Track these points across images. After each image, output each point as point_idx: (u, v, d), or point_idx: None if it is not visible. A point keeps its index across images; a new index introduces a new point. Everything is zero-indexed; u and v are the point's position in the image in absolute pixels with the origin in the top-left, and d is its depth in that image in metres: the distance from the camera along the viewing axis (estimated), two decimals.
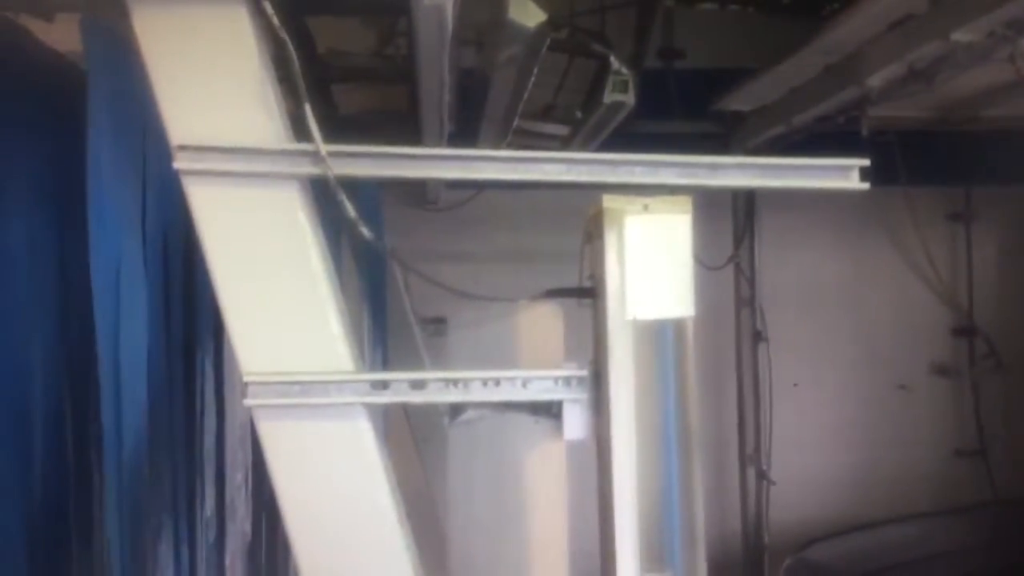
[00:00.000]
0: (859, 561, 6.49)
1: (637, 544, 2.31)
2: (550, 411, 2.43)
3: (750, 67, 6.09)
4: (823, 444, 7.50)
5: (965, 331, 7.80)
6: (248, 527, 3.71)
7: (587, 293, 2.42)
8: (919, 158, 6.74)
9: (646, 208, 2.29)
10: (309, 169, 2.30)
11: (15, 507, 2.93)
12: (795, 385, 7.46)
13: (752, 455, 7.40)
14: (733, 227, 7.33)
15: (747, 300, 7.34)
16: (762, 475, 7.31)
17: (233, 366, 3.38)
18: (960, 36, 4.20)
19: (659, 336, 2.31)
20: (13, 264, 2.95)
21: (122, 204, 2.84)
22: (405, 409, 5.13)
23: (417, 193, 6.70)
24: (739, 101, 6.50)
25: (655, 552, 2.32)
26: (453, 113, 5.15)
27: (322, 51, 5.02)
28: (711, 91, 6.57)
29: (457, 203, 6.76)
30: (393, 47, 5.91)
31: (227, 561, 3.53)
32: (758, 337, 7.30)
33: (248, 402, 2.31)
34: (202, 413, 3.39)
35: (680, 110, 6.73)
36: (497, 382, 2.36)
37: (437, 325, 6.04)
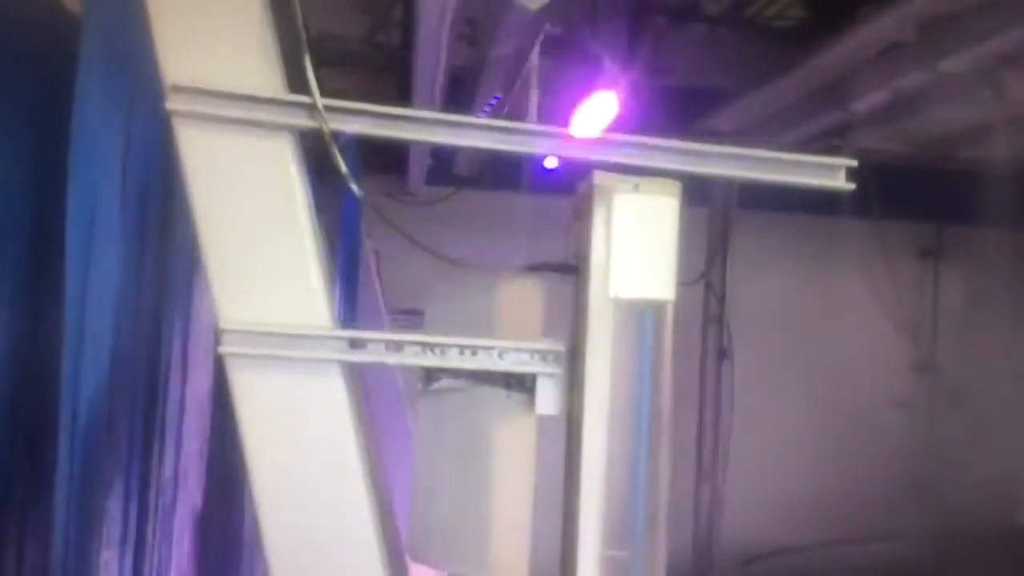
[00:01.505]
0: None
1: (600, 522, 2.31)
2: (524, 385, 2.43)
3: (734, 89, 6.16)
4: (779, 466, 7.57)
5: (926, 367, 7.91)
6: (199, 497, 3.65)
7: (571, 269, 2.43)
8: (893, 193, 6.83)
9: (636, 188, 2.30)
10: (304, 121, 2.29)
11: None
12: (755, 407, 7.53)
13: (708, 472, 7.44)
14: (707, 245, 7.40)
15: (715, 318, 7.41)
16: (716, 492, 7.35)
17: (200, 331, 3.36)
18: (947, 66, 4.28)
19: (639, 317, 2.31)
20: None
21: (105, 149, 2.81)
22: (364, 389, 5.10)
23: (398, 184, 6.71)
24: (721, 122, 6.58)
25: (617, 531, 2.32)
26: (441, 108, 5.17)
27: (313, 34, 5.02)
28: (693, 110, 6.63)
29: (436, 199, 6.77)
30: (385, 35, 5.94)
31: (175, 528, 3.48)
32: (723, 355, 7.36)
33: (222, 350, 2.28)
34: (167, 375, 3.34)
35: (663, 127, 6.77)
36: (474, 351, 2.36)
37: (412, 317, 6.01)
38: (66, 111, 2.72)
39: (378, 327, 5.89)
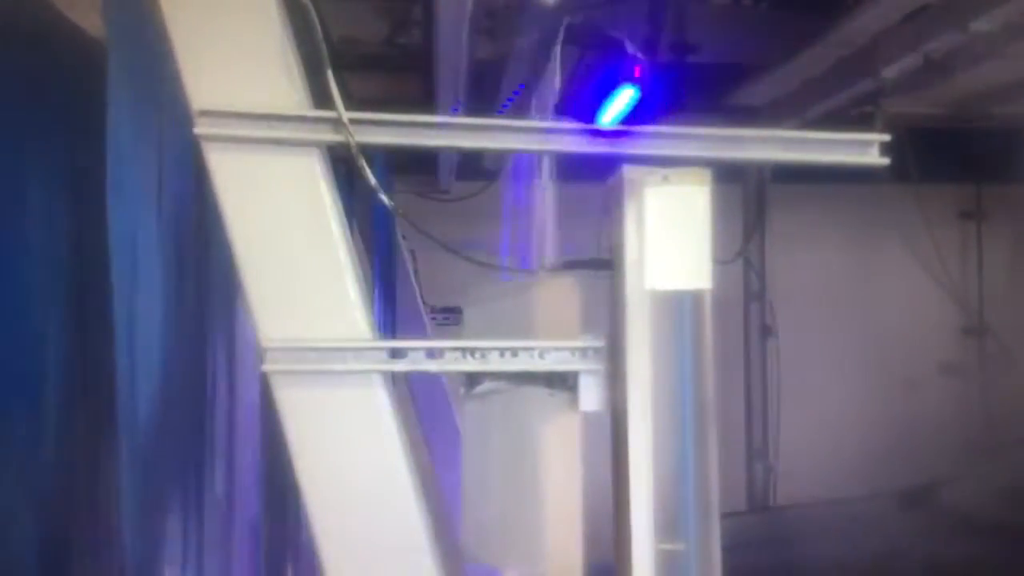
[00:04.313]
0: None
1: (652, 516, 2.30)
2: (566, 383, 2.43)
3: (762, 62, 6.08)
4: (830, 440, 7.48)
5: (975, 330, 7.78)
6: (254, 510, 3.70)
7: (605, 265, 2.42)
8: (930, 155, 6.72)
9: (666, 179, 2.28)
10: (330, 136, 2.30)
11: (26, 480, 2.95)
12: (803, 381, 7.46)
13: (760, 449, 7.39)
14: (743, 222, 7.33)
15: (756, 294, 7.35)
16: (770, 469, 7.31)
17: (245, 344, 3.40)
18: (978, 26, 4.20)
19: (677, 308, 2.30)
20: (29, 238, 2.97)
21: (139, 175, 2.84)
22: (411, 390, 5.15)
23: (428, 182, 6.71)
24: (752, 96, 6.50)
25: (669, 523, 2.31)
26: (466, 103, 5.17)
27: (334, 40, 5.03)
28: (723, 86, 6.55)
29: (468, 194, 6.76)
30: (406, 35, 5.93)
31: (234, 542, 3.53)
32: (767, 331, 7.30)
33: (266, 368, 2.30)
34: (214, 390, 3.39)
35: (691, 105, 6.71)
36: (514, 352, 2.36)
37: (450, 315, 6.04)
38: (99, 137, 2.75)
39: (418, 328, 5.92)
